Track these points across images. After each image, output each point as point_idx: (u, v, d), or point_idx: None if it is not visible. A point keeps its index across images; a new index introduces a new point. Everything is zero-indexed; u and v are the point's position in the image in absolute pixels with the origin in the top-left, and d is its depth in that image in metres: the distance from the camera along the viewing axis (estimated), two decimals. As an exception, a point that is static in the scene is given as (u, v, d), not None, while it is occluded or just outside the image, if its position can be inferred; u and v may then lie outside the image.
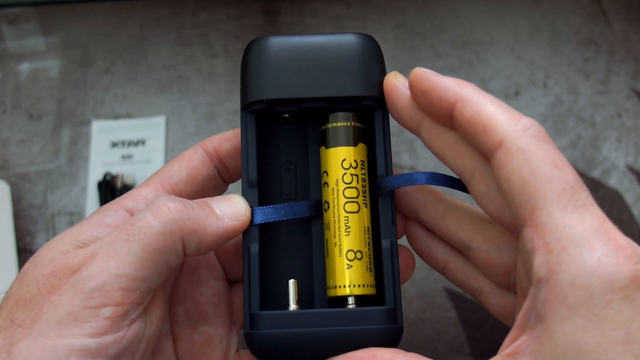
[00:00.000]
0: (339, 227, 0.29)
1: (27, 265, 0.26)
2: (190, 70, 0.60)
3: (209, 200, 0.28)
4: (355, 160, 0.29)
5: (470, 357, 0.50)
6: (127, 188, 0.55)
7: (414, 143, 0.57)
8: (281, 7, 0.62)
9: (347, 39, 0.29)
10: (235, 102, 0.59)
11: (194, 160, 0.30)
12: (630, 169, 0.56)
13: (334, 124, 0.30)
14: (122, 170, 0.57)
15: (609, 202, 0.55)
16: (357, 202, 0.29)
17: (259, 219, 0.29)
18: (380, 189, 0.29)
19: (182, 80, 0.60)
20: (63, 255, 0.26)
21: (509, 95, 0.58)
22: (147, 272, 0.25)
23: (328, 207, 0.29)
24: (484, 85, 0.58)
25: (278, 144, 0.31)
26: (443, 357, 0.50)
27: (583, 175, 0.56)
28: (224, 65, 0.60)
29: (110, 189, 0.55)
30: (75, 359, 0.23)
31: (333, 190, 0.29)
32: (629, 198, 0.55)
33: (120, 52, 0.61)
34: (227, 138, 0.31)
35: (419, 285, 0.52)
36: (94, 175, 0.57)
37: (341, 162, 0.29)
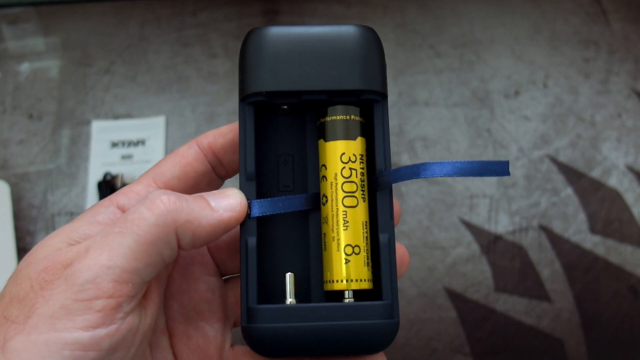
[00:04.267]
0: (337, 221, 0.29)
1: (20, 263, 0.26)
2: (190, 70, 0.60)
3: (204, 193, 0.28)
4: (354, 154, 0.29)
5: (470, 357, 0.50)
6: (126, 188, 0.55)
7: (414, 143, 0.57)
8: (281, 7, 0.62)
9: (347, 31, 0.29)
10: (235, 102, 0.59)
11: (187, 157, 0.30)
12: (630, 169, 0.56)
13: (333, 117, 0.30)
14: (122, 170, 0.57)
15: (609, 202, 0.55)
16: (355, 197, 0.29)
17: (256, 212, 0.28)
18: (379, 184, 0.29)
19: (182, 80, 0.60)
20: (56, 252, 0.26)
21: (509, 95, 0.58)
22: (140, 264, 0.25)
23: (326, 200, 0.29)
24: (484, 85, 0.58)
25: (276, 135, 0.31)
26: (443, 357, 0.50)
27: (583, 175, 0.55)
28: (224, 65, 0.60)
29: (110, 189, 0.55)
30: (68, 352, 0.23)
31: (332, 184, 0.29)
32: (629, 198, 0.55)
33: (120, 52, 0.61)
34: (222, 133, 0.31)
35: (419, 285, 0.52)
36: (94, 175, 0.56)
37: (340, 155, 0.29)
